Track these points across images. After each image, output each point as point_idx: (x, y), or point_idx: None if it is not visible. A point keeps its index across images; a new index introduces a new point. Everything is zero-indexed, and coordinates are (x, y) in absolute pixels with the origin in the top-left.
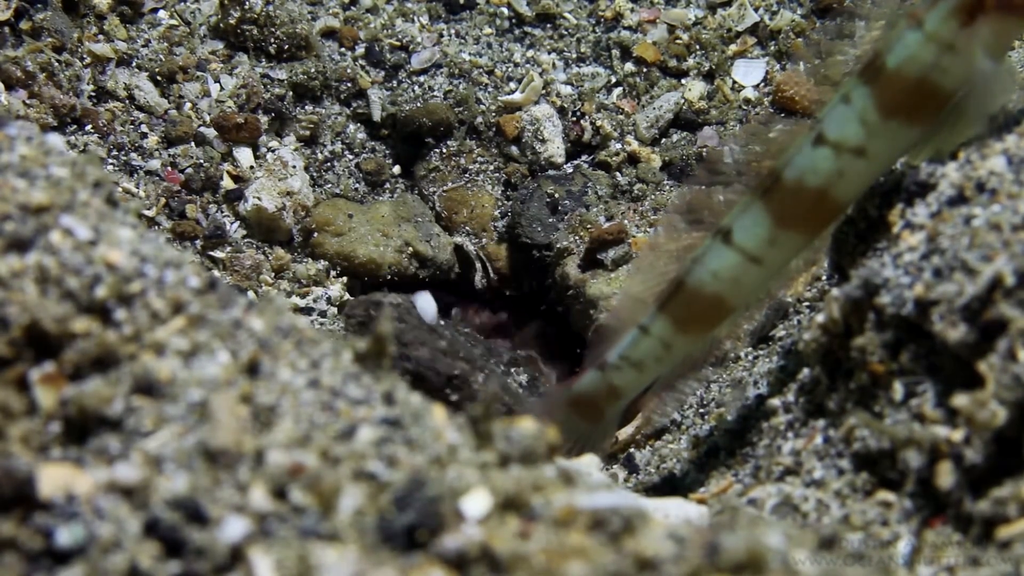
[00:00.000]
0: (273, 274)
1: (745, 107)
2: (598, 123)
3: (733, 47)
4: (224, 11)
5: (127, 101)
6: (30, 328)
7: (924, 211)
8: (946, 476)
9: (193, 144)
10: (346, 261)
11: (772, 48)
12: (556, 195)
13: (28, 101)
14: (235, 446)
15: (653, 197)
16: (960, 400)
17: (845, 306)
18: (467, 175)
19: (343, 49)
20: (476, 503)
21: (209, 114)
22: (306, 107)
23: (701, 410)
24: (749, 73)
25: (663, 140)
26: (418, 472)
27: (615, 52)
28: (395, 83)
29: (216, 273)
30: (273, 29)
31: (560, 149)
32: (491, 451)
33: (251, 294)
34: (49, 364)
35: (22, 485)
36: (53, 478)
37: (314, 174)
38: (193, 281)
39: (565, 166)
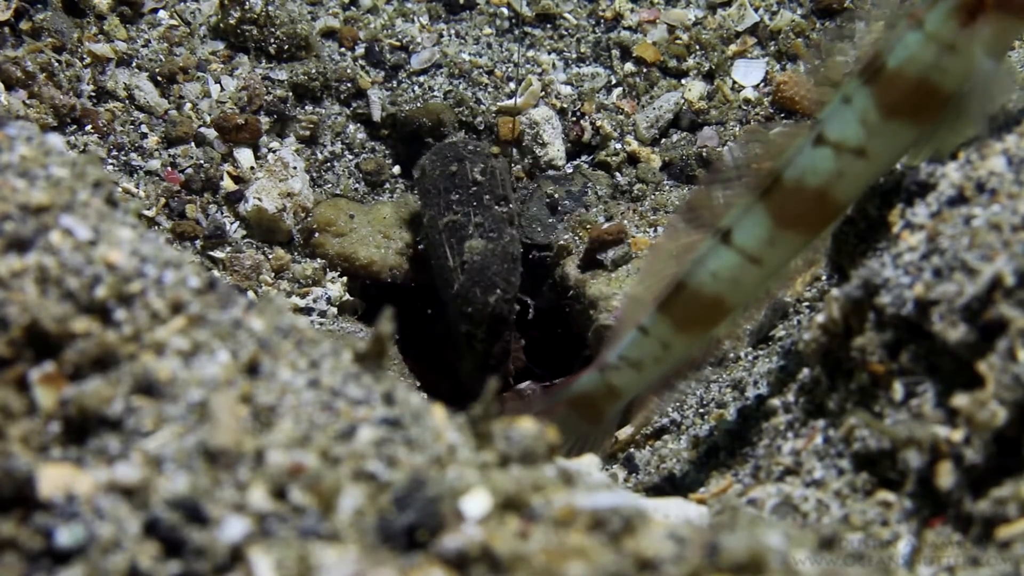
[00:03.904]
0: (273, 274)
1: (745, 107)
2: (598, 123)
3: (733, 47)
4: (224, 11)
5: (127, 101)
6: (30, 328)
7: (924, 211)
8: (946, 476)
9: (193, 144)
10: (347, 262)
11: (772, 48)
12: (556, 195)
13: (28, 101)
14: (235, 446)
15: (653, 197)
16: (960, 400)
17: (845, 306)
18: None
19: (343, 49)
20: (476, 503)
21: (209, 115)
22: (306, 107)
23: (701, 410)
24: (749, 73)
25: (663, 140)
26: (418, 472)
27: (615, 52)
28: (395, 83)
29: (216, 273)
30: (273, 29)
31: (560, 151)
32: (491, 451)
33: (251, 294)
34: (49, 364)
35: (22, 485)
36: (53, 478)
37: (314, 174)
38: (193, 281)
39: (565, 166)
